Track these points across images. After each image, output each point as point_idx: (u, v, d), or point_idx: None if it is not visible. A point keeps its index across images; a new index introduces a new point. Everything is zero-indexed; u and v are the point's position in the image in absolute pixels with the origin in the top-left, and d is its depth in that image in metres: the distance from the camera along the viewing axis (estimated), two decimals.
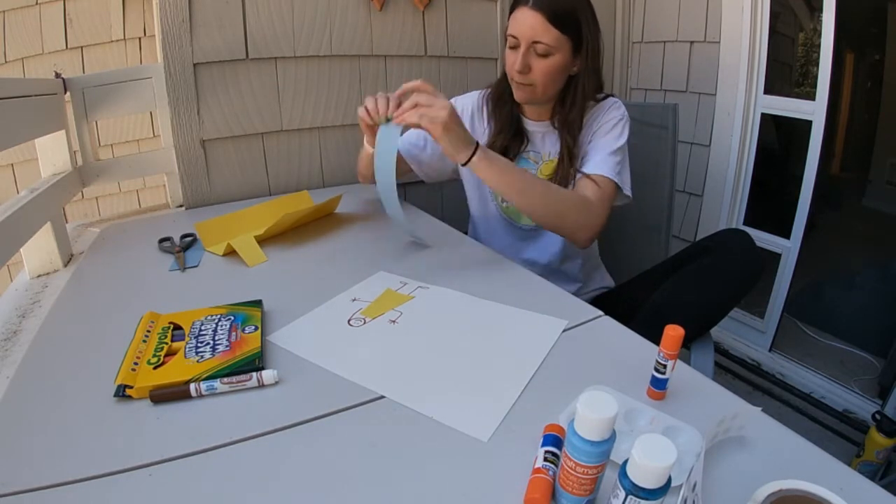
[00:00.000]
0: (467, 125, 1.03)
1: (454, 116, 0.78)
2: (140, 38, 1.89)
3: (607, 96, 0.99)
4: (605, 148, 0.93)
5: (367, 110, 0.82)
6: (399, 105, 0.80)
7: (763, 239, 1.59)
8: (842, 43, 1.38)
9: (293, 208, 0.99)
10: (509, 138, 1.01)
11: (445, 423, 0.50)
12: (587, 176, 0.92)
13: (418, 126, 0.78)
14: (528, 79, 0.90)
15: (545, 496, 0.40)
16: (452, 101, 1.05)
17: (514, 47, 0.89)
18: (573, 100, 0.94)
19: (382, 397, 0.54)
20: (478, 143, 0.82)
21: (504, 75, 0.98)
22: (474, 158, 0.80)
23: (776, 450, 0.46)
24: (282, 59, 1.24)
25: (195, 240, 0.98)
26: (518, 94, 0.94)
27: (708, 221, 1.72)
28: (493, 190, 0.95)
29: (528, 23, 0.86)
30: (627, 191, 0.94)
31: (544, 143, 1.01)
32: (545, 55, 0.87)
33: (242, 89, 1.21)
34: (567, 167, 0.96)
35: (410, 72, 1.42)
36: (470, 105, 1.07)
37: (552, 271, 1.07)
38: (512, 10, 0.90)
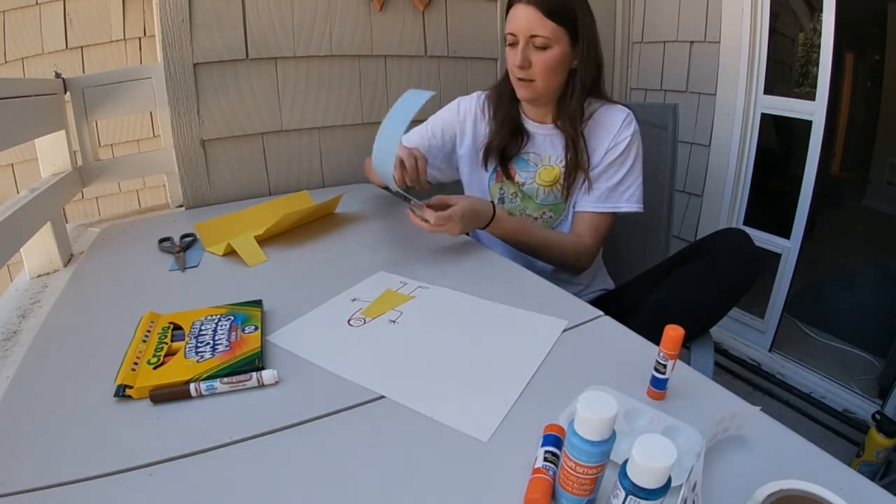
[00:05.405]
0: (470, 127, 1.09)
1: (459, 221, 0.87)
2: (140, 38, 1.89)
3: (617, 103, 1.00)
4: (611, 179, 0.98)
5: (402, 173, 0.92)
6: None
7: (763, 239, 1.59)
8: (842, 43, 1.38)
9: (293, 208, 0.99)
10: (507, 137, 1.02)
11: (445, 423, 0.50)
12: (587, 212, 0.99)
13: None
14: (528, 74, 0.92)
15: (545, 496, 0.40)
16: (457, 101, 1.11)
17: (514, 44, 0.92)
18: (573, 92, 0.96)
19: (382, 397, 0.54)
20: (492, 218, 0.91)
21: (506, 76, 1.00)
22: (490, 226, 0.92)
23: (776, 450, 0.46)
24: (282, 59, 1.24)
25: (195, 240, 0.98)
26: (521, 92, 0.96)
27: (708, 221, 1.72)
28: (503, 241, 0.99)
29: (524, 17, 0.88)
30: (639, 206, 1.00)
31: (545, 145, 1.03)
32: (543, 48, 0.90)
33: (242, 89, 1.21)
34: (572, 174, 0.99)
35: (411, 72, 1.42)
36: (473, 107, 1.09)
37: (553, 278, 1.06)
38: (508, 9, 0.93)
